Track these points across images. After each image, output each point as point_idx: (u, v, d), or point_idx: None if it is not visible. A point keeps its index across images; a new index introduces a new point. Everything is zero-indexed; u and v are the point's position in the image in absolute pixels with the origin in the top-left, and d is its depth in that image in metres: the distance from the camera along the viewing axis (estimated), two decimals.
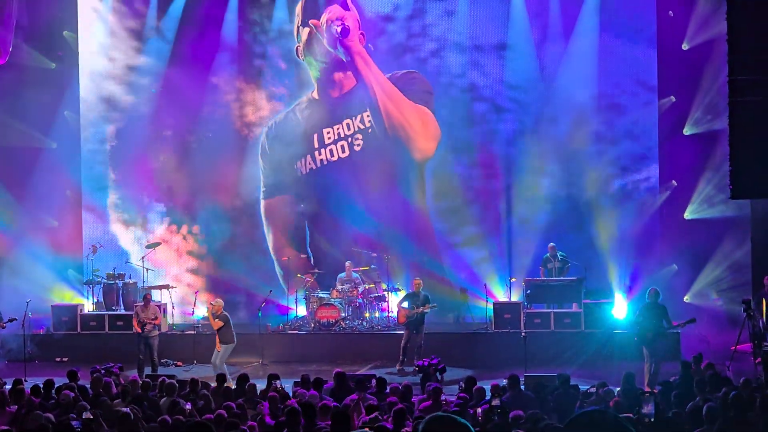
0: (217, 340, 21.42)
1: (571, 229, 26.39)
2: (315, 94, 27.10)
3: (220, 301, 21.91)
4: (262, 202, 27.47)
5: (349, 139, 26.71)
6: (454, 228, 27.03)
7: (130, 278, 26.39)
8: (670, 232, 25.79)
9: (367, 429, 11.05)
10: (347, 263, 25.70)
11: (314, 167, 27.02)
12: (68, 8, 27.62)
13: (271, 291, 25.60)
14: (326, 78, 26.96)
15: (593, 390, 15.50)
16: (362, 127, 26.55)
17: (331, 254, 26.85)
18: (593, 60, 26.19)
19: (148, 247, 27.10)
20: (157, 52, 27.65)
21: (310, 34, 26.57)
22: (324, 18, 26.47)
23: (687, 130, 25.59)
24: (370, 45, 26.44)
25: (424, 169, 26.77)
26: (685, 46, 25.49)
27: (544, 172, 26.42)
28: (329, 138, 26.75)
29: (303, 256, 26.89)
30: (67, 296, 26.81)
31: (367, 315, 25.37)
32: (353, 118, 26.72)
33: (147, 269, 26.45)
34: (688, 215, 25.67)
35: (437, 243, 26.98)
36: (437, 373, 19.29)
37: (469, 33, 26.71)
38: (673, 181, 25.85)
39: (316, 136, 26.95)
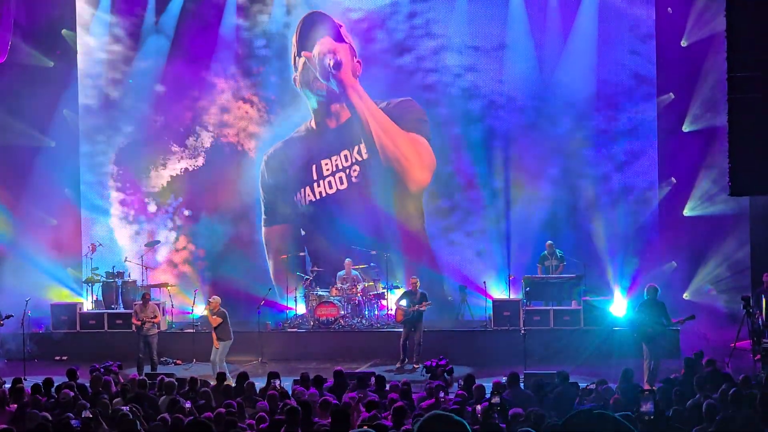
0: (214, 337, 21.43)
1: (570, 227, 26.40)
2: (312, 124, 27.12)
3: (217, 298, 21.96)
4: (263, 230, 27.49)
5: (347, 171, 26.73)
6: (453, 225, 26.99)
7: (129, 277, 26.39)
8: (670, 228, 25.78)
9: (366, 427, 11.03)
10: (346, 261, 25.70)
11: (313, 199, 27.06)
12: (67, 7, 27.59)
13: (270, 289, 25.62)
14: (324, 109, 27.01)
15: (592, 387, 15.50)
16: (359, 159, 26.61)
17: (330, 252, 26.82)
18: (592, 57, 26.19)
19: (147, 245, 27.11)
20: (156, 50, 27.62)
21: (304, 65, 26.59)
22: (316, 50, 26.49)
23: (686, 127, 25.58)
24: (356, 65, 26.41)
25: (422, 197, 26.78)
26: (684, 43, 25.48)
27: (543, 169, 26.41)
28: (327, 170, 26.80)
29: (302, 254, 26.86)
30: (66, 295, 26.78)
31: (367, 312, 25.41)
32: (351, 149, 26.75)
33: (146, 267, 26.46)
34: (687, 212, 25.67)
35: (436, 244, 26.97)
36: (444, 374, 19.20)
37: (469, 32, 26.69)
38: (673, 178, 25.85)
39: (314, 167, 26.97)
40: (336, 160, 26.64)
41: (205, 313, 22.51)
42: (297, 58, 26.77)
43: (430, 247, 26.72)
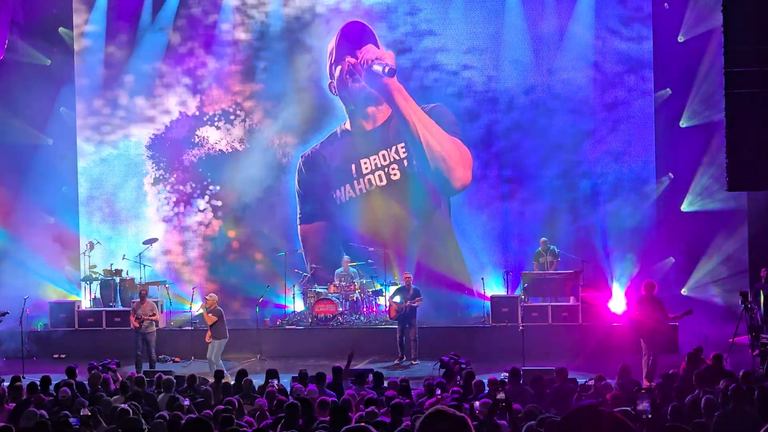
0: (208, 334, 21.44)
1: (567, 222, 26.40)
2: (347, 126, 27.12)
3: (214, 296, 22.00)
4: (299, 227, 27.46)
5: (386, 169, 26.79)
6: (455, 225, 27.02)
7: (127, 274, 26.38)
8: (667, 224, 25.79)
9: (363, 424, 11.03)
10: (344, 258, 25.72)
11: (354, 195, 27.08)
12: (63, 4, 27.57)
13: (268, 286, 25.61)
14: (360, 112, 27.01)
15: (591, 383, 15.50)
16: (397, 158, 26.70)
17: (327, 249, 26.84)
18: (589, 52, 26.21)
19: (145, 243, 27.08)
20: (153, 47, 27.61)
21: (342, 71, 26.55)
22: (362, 57, 26.47)
23: (684, 123, 25.59)
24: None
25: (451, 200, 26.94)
26: (681, 38, 25.48)
27: (540, 165, 26.41)
28: (366, 168, 26.84)
29: (299, 250, 26.85)
30: (64, 293, 26.77)
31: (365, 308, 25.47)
32: (388, 150, 26.81)
33: (144, 265, 26.45)
34: (685, 207, 25.68)
35: (436, 237, 27.00)
36: (458, 375, 18.55)
37: (465, 29, 26.71)
38: (670, 174, 25.86)
39: (353, 166, 27.02)
40: (375, 159, 26.73)
41: (201, 311, 22.47)
42: (334, 66, 26.69)
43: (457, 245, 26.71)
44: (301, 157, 27.32)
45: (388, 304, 23.98)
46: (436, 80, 26.72)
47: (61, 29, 27.52)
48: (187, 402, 14.15)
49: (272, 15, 27.21)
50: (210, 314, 21.41)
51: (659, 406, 12.79)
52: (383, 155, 26.73)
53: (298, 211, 27.41)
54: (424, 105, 26.66)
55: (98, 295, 26.19)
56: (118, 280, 26.07)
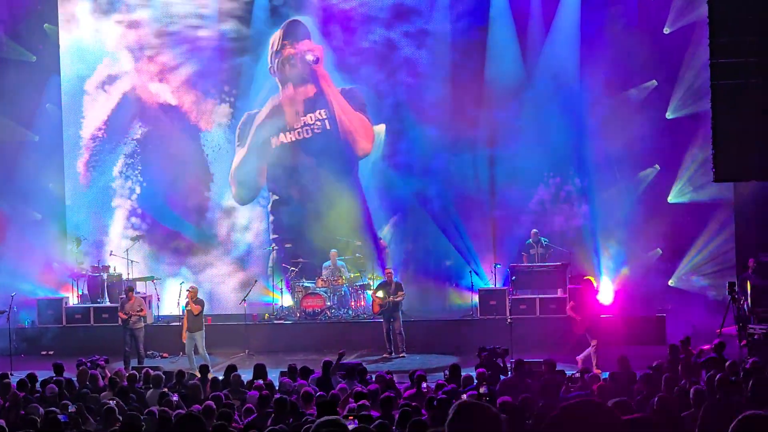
0: (185, 327, 21.45)
1: (555, 214, 26.44)
2: (278, 100, 27.87)
3: (195, 287, 22.18)
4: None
5: (312, 127, 27.82)
6: (439, 214, 27.03)
7: (115, 270, 26.33)
8: (654, 216, 25.81)
9: (351, 417, 11.04)
10: (332, 252, 25.73)
11: (286, 141, 27.82)
12: (48, 1, 27.50)
13: (256, 281, 25.61)
14: (290, 90, 27.86)
15: (578, 375, 15.54)
16: (320, 118, 27.83)
17: (315, 243, 26.84)
18: (575, 45, 26.22)
19: (132, 239, 27.05)
20: (139, 43, 27.59)
21: (283, 58, 27.59)
22: (299, 48, 27.64)
23: (670, 114, 25.62)
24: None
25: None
26: (666, 30, 25.50)
27: (528, 157, 26.40)
28: (297, 125, 27.99)
29: (288, 245, 26.85)
30: (51, 289, 26.71)
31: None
32: (311, 115, 27.83)
33: (132, 261, 26.41)
34: (671, 199, 25.71)
35: (424, 229, 27.04)
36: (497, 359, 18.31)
37: (450, 25, 26.79)
38: (657, 165, 25.88)
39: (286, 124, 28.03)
40: (303, 119, 27.87)
41: (186, 301, 22.39)
42: (275, 54, 27.61)
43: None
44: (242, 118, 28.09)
45: (372, 300, 24.01)
46: (420, 72, 26.84)
47: (46, 26, 27.44)
48: (175, 398, 14.14)
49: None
50: (196, 304, 21.49)
51: (646, 397, 12.84)
52: (309, 116, 27.88)
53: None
54: (343, 87, 27.78)
55: (86, 292, 26.15)
56: (105, 276, 26.02)
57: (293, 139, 27.88)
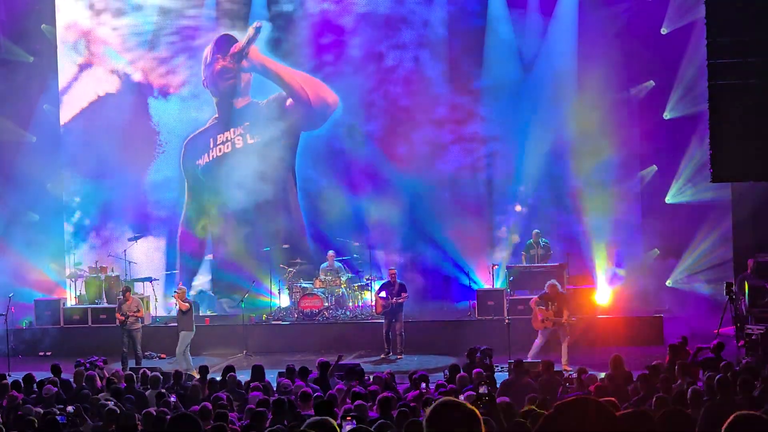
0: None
1: (552, 215, 26.45)
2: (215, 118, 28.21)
3: (183, 287, 22.42)
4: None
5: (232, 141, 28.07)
6: (438, 215, 27.04)
7: (113, 271, 26.31)
8: (652, 216, 25.83)
9: (349, 418, 11.04)
10: (330, 253, 25.72)
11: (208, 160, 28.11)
12: (46, 1, 27.49)
13: (254, 282, 25.60)
14: (226, 101, 28.16)
15: (575, 376, 15.55)
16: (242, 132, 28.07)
17: (313, 244, 26.86)
18: (572, 46, 26.23)
19: (130, 239, 27.04)
20: (136, 44, 27.60)
21: (214, 69, 27.83)
22: (232, 51, 27.77)
23: (667, 114, 25.62)
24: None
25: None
26: (664, 30, 25.50)
27: (526, 158, 26.44)
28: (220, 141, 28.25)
29: (285, 246, 26.82)
30: (49, 290, 26.69)
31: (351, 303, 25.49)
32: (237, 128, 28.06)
33: (130, 262, 26.40)
34: (669, 199, 25.71)
35: (419, 231, 27.04)
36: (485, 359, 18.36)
37: (449, 23, 26.82)
38: (654, 166, 25.90)
39: (211, 140, 28.24)
40: (227, 134, 28.09)
41: (175, 300, 22.38)
42: (207, 67, 27.86)
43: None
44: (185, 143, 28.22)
45: (374, 300, 23.97)
46: (418, 71, 26.91)
47: (43, 26, 27.43)
48: (173, 398, 14.14)
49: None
50: (185, 303, 21.57)
51: (644, 398, 12.85)
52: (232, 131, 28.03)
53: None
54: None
55: (83, 293, 26.13)
56: (103, 277, 26.00)
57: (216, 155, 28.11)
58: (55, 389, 14.90)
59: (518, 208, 26.37)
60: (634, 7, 25.85)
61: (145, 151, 27.71)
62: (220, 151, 28.03)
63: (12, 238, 26.30)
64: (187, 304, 21.69)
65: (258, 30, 27.54)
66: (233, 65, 27.90)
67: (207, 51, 27.86)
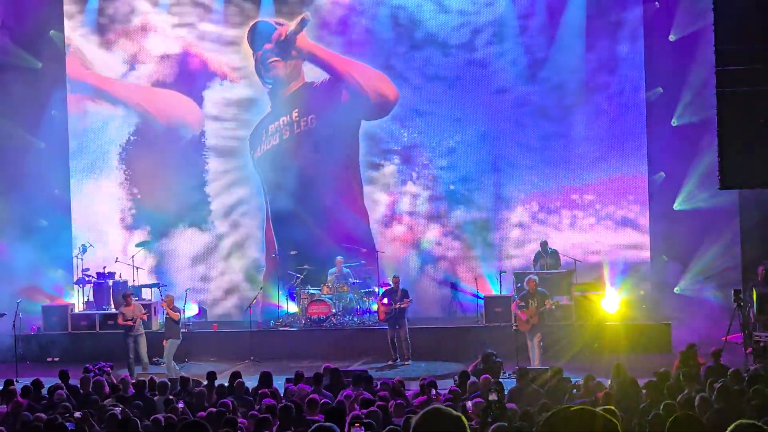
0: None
1: (560, 222, 26.45)
2: (269, 108, 27.83)
3: (170, 295, 22.35)
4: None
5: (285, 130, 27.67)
6: (445, 222, 27.06)
7: (120, 277, 26.32)
8: (660, 223, 25.80)
9: (357, 425, 11.03)
10: (338, 258, 25.70)
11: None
12: (54, 7, 27.57)
13: (262, 288, 25.61)
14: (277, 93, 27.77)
15: (581, 383, 15.52)
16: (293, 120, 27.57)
17: (320, 250, 26.82)
18: (580, 52, 26.24)
19: (137, 245, 27.05)
20: (145, 49, 27.66)
21: (258, 58, 27.61)
22: (273, 38, 27.44)
23: (675, 121, 25.61)
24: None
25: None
26: (672, 37, 25.50)
27: (532, 165, 26.47)
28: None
29: (293, 252, 26.81)
30: (57, 296, 26.72)
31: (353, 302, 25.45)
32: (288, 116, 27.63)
33: (137, 268, 26.42)
34: (677, 206, 25.69)
35: (427, 237, 27.05)
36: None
37: (458, 28, 26.82)
38: (662, 173, 25.88)
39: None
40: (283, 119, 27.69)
41: (164, 308, 22.34)
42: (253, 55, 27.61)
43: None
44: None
45: (377, 307, 23.96)
46: (424, 74, 26.89)
47: (51, 32, 27.50)
48: (181, 404, 14.14)
49: None
50: (174, 311, 21.66)
51: (650, 405, 12.83)
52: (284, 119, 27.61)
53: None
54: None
55: (91, 298, 26.15)
56: (111, 282, 26.01)
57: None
58: (66, 395, 14.90)
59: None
60: (641, 14, 25.84)
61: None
62: (269, 144, 27.69)
63: (20, 244, 26.31)
64: (177, 313, 21.67)
65: (304, 22, 27.20)
66: (279, 52, 27.48)
67: (246, 38, 27.63)
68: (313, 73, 27.54)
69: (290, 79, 27.65)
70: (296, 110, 27.52)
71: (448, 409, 4.95)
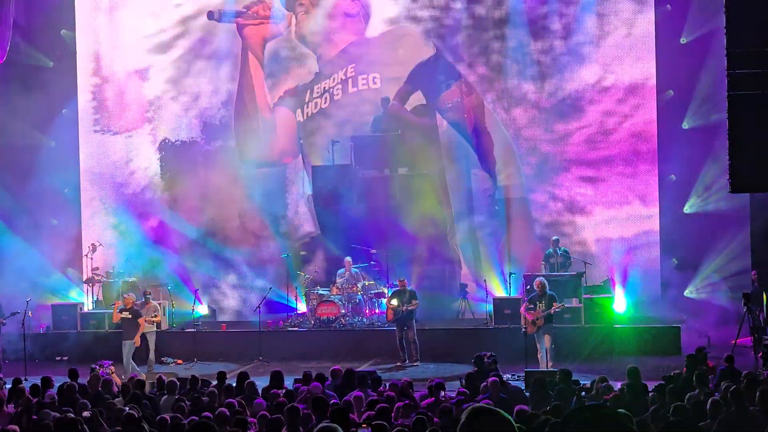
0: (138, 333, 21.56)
1: (570, 223, 26.41)
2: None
3: (132, 296, 22.19)
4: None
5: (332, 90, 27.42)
6: (452, 223, 27.05)
7: (130, 276, 26.34)
8: (670, 226, 25.74)
9: (365, 426, 11.02)
10: (347, 259, 25.66)
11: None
12: (66, 7, 27.63)
13: (270, 288, 25.60)
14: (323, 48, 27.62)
15: (588, 386, 15.49)
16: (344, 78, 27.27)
17: (330, 250, 26.83)
18: (591, 54, 26.22)
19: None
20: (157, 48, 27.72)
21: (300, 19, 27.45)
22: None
23: (686, 124, 25.58)
24: None
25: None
26: (683, 40, 25.47)
27: (542, 167, 26.45)
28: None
29: (303, 252, 26.82)
30: (67, 295, 26.75)
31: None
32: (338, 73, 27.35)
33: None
34: (687, 209, 25.65)
35: (437, 238, 27.00)
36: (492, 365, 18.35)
37: (466, 31, 26.84)
38: (673, 176, 25.83)
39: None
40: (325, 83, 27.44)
41: (117, 310, 22.16)
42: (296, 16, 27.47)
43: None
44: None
45: (386, 308, 23.92)
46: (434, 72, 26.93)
47: (63, 32, 27.55)
48: (188, 404, 14.13)
49: None
50: (123, 312, 21.49)
51: (660, 408, 12.79)
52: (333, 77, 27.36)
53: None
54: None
55: (101, 297, 26.17)
56: (120, 282, 26.02)
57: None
58: (76, 394, 14.91)
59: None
60: (653, 17, 25.81)
61: None
62: (316, 105, 27.38)
63: (30, 242, 26.36)
64: (128, 315, 21.50)
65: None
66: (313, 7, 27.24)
67: (272, 5, 27.49)
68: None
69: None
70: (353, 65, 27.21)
71: (498, 409, 4.87)
